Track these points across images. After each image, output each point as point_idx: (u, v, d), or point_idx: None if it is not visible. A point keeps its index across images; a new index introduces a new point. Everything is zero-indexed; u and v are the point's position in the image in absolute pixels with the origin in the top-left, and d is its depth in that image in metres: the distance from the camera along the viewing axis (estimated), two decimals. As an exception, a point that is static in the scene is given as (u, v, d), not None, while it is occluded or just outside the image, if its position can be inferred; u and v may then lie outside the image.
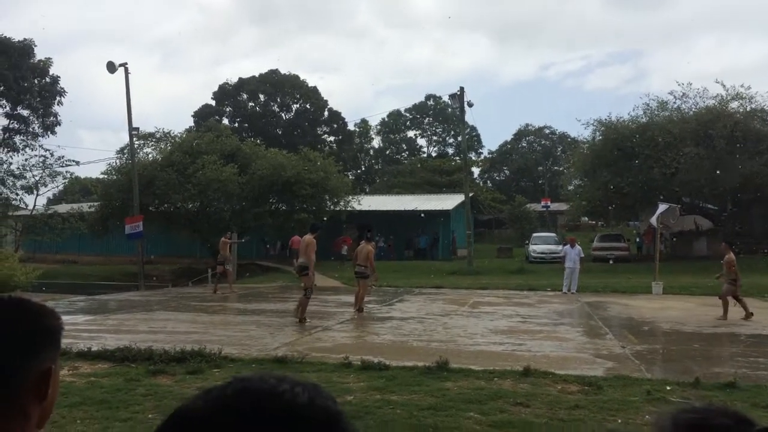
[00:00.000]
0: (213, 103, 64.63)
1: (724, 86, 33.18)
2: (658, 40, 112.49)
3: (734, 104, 32.04)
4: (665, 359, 10.22)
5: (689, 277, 24.19)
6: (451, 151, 75.09)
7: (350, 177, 53.89)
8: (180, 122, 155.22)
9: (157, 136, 35.36)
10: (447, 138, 76.68)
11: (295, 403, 0.71)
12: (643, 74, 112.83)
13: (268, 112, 64.07)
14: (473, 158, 68.63)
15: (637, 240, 38.38)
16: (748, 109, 31.78)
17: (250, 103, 64.55)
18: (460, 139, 64.06)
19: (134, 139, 30.56)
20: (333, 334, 12.25)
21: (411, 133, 77.12)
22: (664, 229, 24.26)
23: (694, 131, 30.40)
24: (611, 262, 32.42)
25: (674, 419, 1.23)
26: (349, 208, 34.86)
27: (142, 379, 8.11)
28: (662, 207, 21.94)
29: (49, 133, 35.94)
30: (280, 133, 62.50)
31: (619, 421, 6.31)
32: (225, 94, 64.39)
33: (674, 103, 33.93)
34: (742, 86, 33.00)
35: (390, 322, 14.02)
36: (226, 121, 61.19)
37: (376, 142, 76.53)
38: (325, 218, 32.29)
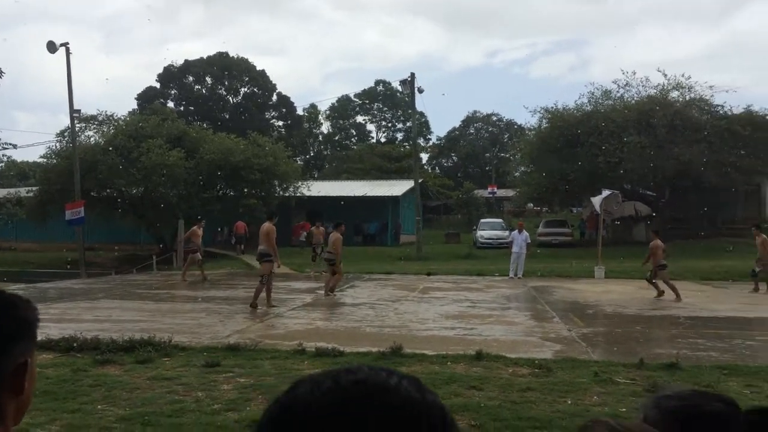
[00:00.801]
0: (158, 85, 62.99)
1: (665, 76, 34.26)
2: (600, 30, 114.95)
3: (674, 93, 33.16)
4: (610, 341, 10.55)
5: (629, 261, 24.90)
6: (400, 136, 75.30)
7: (299, 163, 53.57)
8: (123, 105, 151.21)
9: (100, 119, 34.36)
10: (396, 124, 76.82)
11: (410, 398, 0.68)
12: (587, 63, 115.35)
13: (215, 96, 62.87)
14: (422, 144, 68.97)
15: (581, 225, 39.35)
16: (688, 98, 32.89)
17: (197, 86, 63.21)
18: (409, 125, 64.30)
19: (75, 121, 29.60)
20: (285, 321, 12.20)
21: (360, 119, 76.99)
22: (606, 215, 24.93)
23: (637, 120, 31.27)
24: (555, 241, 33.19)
25: (660, 408, 1.27)
26: (298, 194, 34.65)
27: (90, 369, 7.91)
28: (605, 193, 22.56)
29: (-17, 114, 34.44)
30: (227, 117, 61.42)
31: (569, 402, 6.49)
32: (170, 76, 62.84)
33: (618, 92, 34.87)
34: (682, 76, 34.15)
35: (342, 308, 14.04)
36: (171, 104, 59.78)
37: (325, 127, 76.14)
38: (272, 205, 32.01)
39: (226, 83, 63.57)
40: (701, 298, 16.01)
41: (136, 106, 57.25)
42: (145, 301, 15.58)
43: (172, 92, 63.21)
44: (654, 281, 15.99)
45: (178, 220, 29.83)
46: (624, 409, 6.21)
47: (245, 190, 32.62)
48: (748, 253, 27.18)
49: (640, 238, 33.13)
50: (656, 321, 12.58)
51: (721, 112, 32.53)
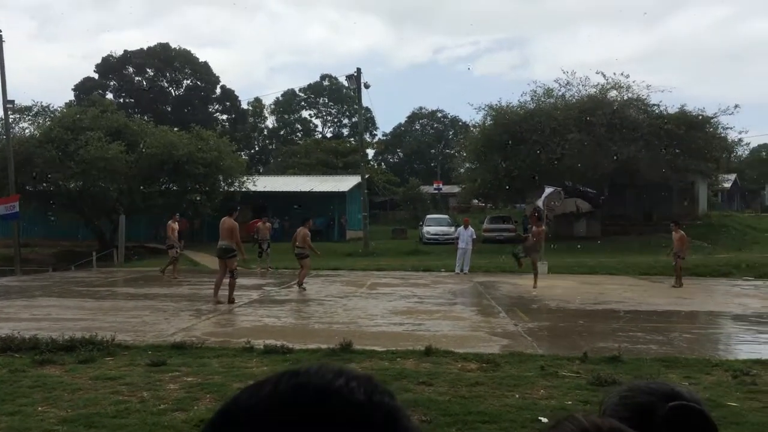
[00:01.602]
0: (96, 76, 61.11)
1: (604, 76, 35.14)
2: (541, 29, 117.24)
3: (613, 93, 34.05)
4: (554, 335, 10.80)
5: (571, 256, 25.58)
6: (346, 132, 75.12)
7: (244, 157, 52.81)
8: (60, 96, 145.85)
9: (35, 110, 33.04)
10: (342, 119, 76.62)
11: (353, 401, 0.66)
12: (529, 61, 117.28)
13: (156, 88, 61.40)
14: (368, 140, 68.98)
15: (524, 221, 40.06)
16: (626, 97, 33.85)
17: (137, 78, 61.60)
18: (355, 120, 64.17)
19: (9, 113, 28.44)
20: (233, 318, 12.05)
21: (306, 114, 76.47)
22: (549, 211, 25.46)
23: (577, 118, 32.02)
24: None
25: (630, 403, 1.28)
26: (243, 189, 34.18)
27: (28, 369, 7.64)
28: (548, 190, 23.01)
29: None
30: (169, 110, 60.10)
31: (517, 396, 6.62)
32: (109, 67, 61.05)
33: (559, 90, 35.58)
34: (622, 74, 35.14)
35: (290, 305, 13.95)
36: (110, 95, 58.13)
37: (270, 121, 75.32)
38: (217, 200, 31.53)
39: (168, 75, 62.18)
40: (639, 293, 16.55)
41: (73, 98, 55.40)
42: (86, 298, 15.13)
43: (112, 83, 61.46)
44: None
45: (119, 216, 29.05)
46: (570, 402, 6.36)
47: (189, 185, 31.97)
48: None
49: (581, 234, 34.02)
50: (598, 315, 12.94)
51: (657, 111, 33.61)
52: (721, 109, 33.40)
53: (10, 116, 28.96)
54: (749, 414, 5.97)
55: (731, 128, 34.78)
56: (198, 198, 31.68)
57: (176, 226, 20.12)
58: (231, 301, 13.67)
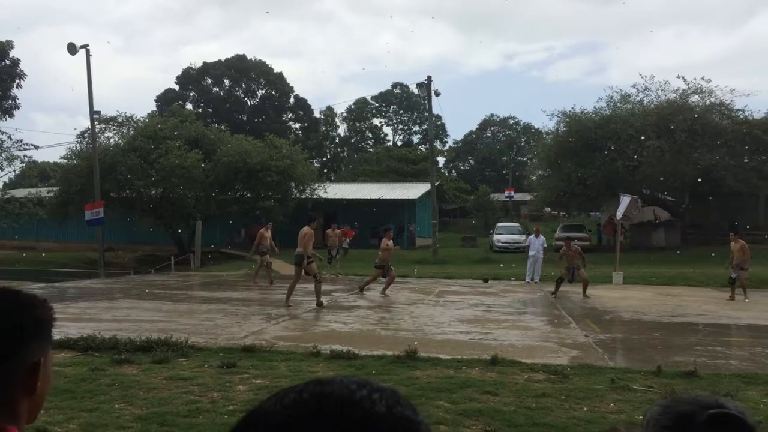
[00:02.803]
0: (176, 87, 63.59)
1: (684, 80, 33.92)
2: (618, 33, 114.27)
3: (694, 98, 32.80)
4: (627, 348, 10.45)
5: (648, 267, 24.74)
6: (416, 139, 75.29)
7: (316, 165, 53.70)
8: (142, 106, 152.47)
9: (119, 120, 34.70)
10: (412, 126, 76.84)
11: (373, 413, 0.67)
12: (604, 67, 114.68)
13: (233, 98, 63.31)
14: (439, 148, 68.88)
15: (598, 230, 39.06)
16: (708, 103, 32.53)
17: (215, 88, 63.69)
18: (425, 127, 64.19)
19: (95, 123, 29.91)
20: (301, 323, 12.23)
21: (376, 121, 77.11)
22: (625, 220, 24.72)
23: (656, 124, 31.00)
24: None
25: (673, 412, 1.28)
26: (315, 196, 34.73)
27: (107, 368, 7.98)
28: (625, 200, 22.31)
29: (6, 116, 34.94)
30: (245, 119, 61.83)
31: (585, 409, 6.44)
32: (189, 78, 63.39)
33: (637, 96, 34.59)
34: (702, 79, 33.78)
35: (357, 311, 14.05)
36: (190, 106, 60.26)
37: (342, 129, 76.33)
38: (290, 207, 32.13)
39: (244, 85, 64.00)
40: (720, 305, 15.81)
41: (155, 108, 57.83)
42: (163, 301, 15.69)
43: (191, 94, 63.73)
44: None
45: (195, 222, 30.04)
46: (641, 417, 6.13)
47: (262, 192, 32.75)
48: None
49: (659, 244, 32.85)
50: (675, 328, 12.44)
51: (741, 116, 32.15)
52: (811, 112, 31.60)
53: (96, 126, 30.45)
54: (837, 436, 5.60)
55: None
56: (271, 205, 32.39)
57: (268, 234, 20.67)
58: (319, 304, 14.13)
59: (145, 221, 33.85)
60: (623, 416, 6.19)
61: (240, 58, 63.58)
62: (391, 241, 17.71)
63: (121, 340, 9.09)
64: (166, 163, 29.71)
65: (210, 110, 61.90)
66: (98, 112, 30.09)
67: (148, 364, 8.21)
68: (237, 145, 32.87)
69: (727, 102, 32.38)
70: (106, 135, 34.01)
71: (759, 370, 8.27)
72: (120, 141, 33.42)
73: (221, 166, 31.81)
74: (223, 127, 41.23)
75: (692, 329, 12.20)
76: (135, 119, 35.22)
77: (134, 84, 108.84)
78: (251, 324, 11.98)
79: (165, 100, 59.77)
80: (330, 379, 0.71)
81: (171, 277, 23.19)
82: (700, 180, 29.89)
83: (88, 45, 27.47)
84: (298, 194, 34.14)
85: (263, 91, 64.63)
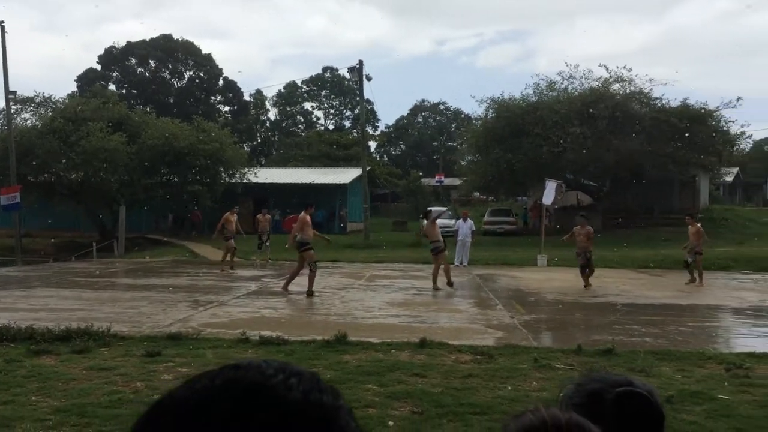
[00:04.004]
0: (98, 67, 61.10)
1: (606, 69, 34.96)
2: (544, 22, 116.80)
3: (615, 86, 33.89)
4: (550, 328, 10.81)
5: (570, 250, 25.51)
6: (348, 124, 75.03)
7: (246, 149, 52.86)
8: (62, 87, 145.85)
9: (37, 101, 33.10)
10: (344, 111, 76.50)
11: (287, 399, 0.64)
12: (532, 54, 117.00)
13: (158, 79, 61.39)
14: (370, 132, 68.91)
15: (525, 215, 40.03)
16: (628, 91, 33.70)
17: (140, 69, 61.58)
18: (357, 112, 64.01)
19: (11, 103, 28.46)
20: (229, 310, 12.07)
21: (308, 105, 76.36)
22: (551, 204, 25.43)
23: (579, 111, 31.91)
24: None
25: (584, 390, 1.36)
26: (245, 181, 34.20)
27: (24, 359, 7.68)
28: (551, 185, 22.96)
29: None
30: (171, 101, 60.11)
31: (509, 388, 6.63)
32: (111, 58, 61.03)
33: (562, 83, 35.45)
34: (624, 68, 34.93)
35: (287, 296, 13.97)
36: (112, 86, 58.11)
37: (273, 113, 75.26)
38: (218, 192, 31.49)
39: (170, 66, 62.14)
40: (638, 286, 16.54)
41: (75, 89, 55.46)
42: (84, 289, 15.17)
43: (114, 75, 61.46)
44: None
45: (119, 207, 29.11)
46: (562, 394, 6.36)
47: (190, 176, 32.00)
48: (682, 243, 28.26)
49: (581, 227, 33.93)
50: (595, 308, 12.94)
51: (659, 105, 33.48)
52: (724, 102, 33.26)
53: (12, 107, 28.99)
54: (740, 407, 5.97)
55: (734, 122, 34.63)
56: (200, 189, 31.69)
57: (234, 218, 20.07)
58: (310, 293, 13.67)
59: (65, 207, 32.55)
60: (545, 394, 6.40)
61: (166, 38, 61.61)
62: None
63: (38, 329, 8.76)
64: (88, 145, 28.59)
65: (134, 92, 59.83)
66: (14, 92, 28.66)
67: (67, 354, 7.94)
68: (163, 128, 31.94)
69: (646, 91, 33.66)
70: (22, 116, 32.44)
71: (672, 347, 8.71)
72: (38, 123, 31.93)
73: (146, 150, 30.87)
74: (148, 109, 39.91)
75: (611, 309, 12.72)
76: (54, 100, 33.72)
77: (53, 63, 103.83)
78: (177, 311, 11.74)
79: (86, 80, 57.37)
80: (247, 363, 0.69)
81: (93, 265, 22.42)
82: (617, 163, 31.02)
83: (3, 21, 26.07)
84: (227, 178, 33.54)
85: (191, 73, 62.93)
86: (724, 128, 33.92)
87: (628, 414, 1.28)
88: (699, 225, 17.38)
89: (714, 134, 33.16)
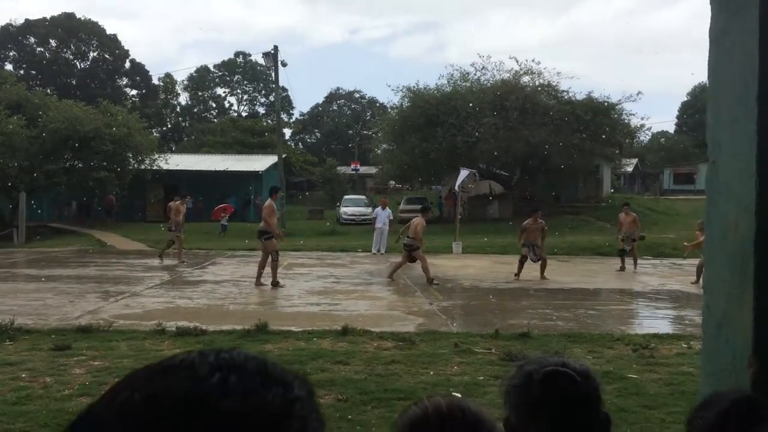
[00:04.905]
0: (-7, 45, 57.29)
1: (517, 61, 35.99)
2: (456, 13, 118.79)
3: (525, 78, 34.94)
4: (468, 313, 11.09)
5: (484, 237, 26.23)
6: (262, 111, 73.82)
7: (155, 134, 51.03)
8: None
9: (-77, 79, 30.71)
10: (258, 97, 75.15)
11: (222, 410, 0.55)
12: (444, 45, 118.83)
13: (60, 60, 58.24)
14: (285, 120, 68.03)
15: (440, 203, 40.72)
16: (537, 83, 34.83)
17: (39, 49, 58.19)
18: (272, 98, 63.03)
19: None
20: (142, 300, 11.67)
21: (220, 91, 74.48)
22: (463, 193, 25.99)
23: (492, 102, 32.71)
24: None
25: (522, 372, 1.48)
26: (155, 167, 33.03)
27: None
28: (464, 173, 23.46)
29: None
30: (74, 83, 57.21)
31: (431, 373, 6.76)
32: (8, 36, 57.32)
33: (475, 75, 36.19)
34: (533, 61, 36.06)
35: (203, 286, 13.65)
36: (10, 66, 54.65)
37: (183, 98, 72.95)
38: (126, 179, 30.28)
39: (73, 47, 59.10)
40: (547, 272, 17.14)
41: (-33, 67, 51.73)
42: (-18, 281, 14.27)
43: (11, 54, 57.81)
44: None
45: (19, 194, 27.49)
46: (482, 378, 6.56)
47: (95, 162, 30.59)
48: (586, 230, 29.57)
49: (494, 215, 34.91)
50: (509, 293, 13.36)
51: (566, 97, 34.78)
52: (625, 96, 34.96)
53: None
54: (648, 385, 6.34)
55: (634, 115, 36.50)
56: (106, 176, 30.37)
57: (184, 208, 19.03)
58: (275, 284, 13.21)
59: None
60: (466, 378, 6.57)
61: (68, 17, 58.45)
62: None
63: (-66, 325, 8.17)
64: (-18, 129, 26.83)
65: (34, 72, 56.52)
66: None
67: (-34, 349, 7.46)
68: (66, 111, 30.33)
69: (554, 84, 34.89)
70: None
71: (582, 330, 9.12)
72: (-76, 103, 29.64)
73: (48, 134, 29.24)
74: (49, 91, 37.77)
75: (524, 294, 13.17)
76: (-58, 79, 31.39)
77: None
78: (87, 303, 11.25)
79: (-21, 58, 53.74)
80: (179, 362, 0.59)
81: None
82: (527, 153, 32.06)
83: None
84: (136, 165, 32.27)
85: (95, 54, 60.04)
86: (626, 121, 35.66)
87: (553, 392, 1.39)
88: (634, 214, 17.75)
89: (616, 126, 34.82)
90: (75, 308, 10.65)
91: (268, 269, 13.45)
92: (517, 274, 15.17)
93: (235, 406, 0.55)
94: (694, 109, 66.38)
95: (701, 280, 14.75)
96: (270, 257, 13.38)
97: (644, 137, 44.90)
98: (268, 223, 13.51)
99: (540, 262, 15.29)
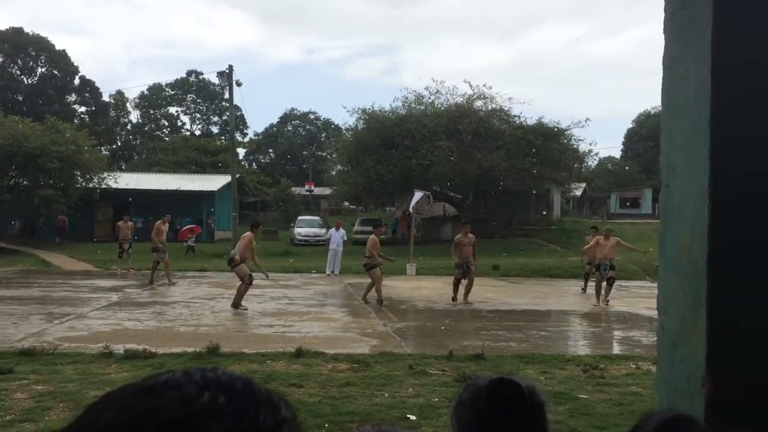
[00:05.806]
0: (-67, 58, 55.40)
1: (470, 86, 36.65)
2: (410, 36, 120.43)
3: (479, 103, 35.53)
4: (422, 335, 11.09)
5: (437, 259, 26.37)
6: (215, 130, 73.04)
7: (105, 152, 49.97)
8: None
9: None
10: (211, 116, 74.40)
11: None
12: (398, 68, 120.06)
13: (6, 75, 56.62)
14: (239, 139, 67.49)
15: (394, 225, 40.84)
16: (490, 108, 35.44)
17: (-16, 63, 56.50)
18: (225, 118, 62.50)
19: None
20: (89, 322, 11.32)
21: (173, 110, 73.50)
22: (417, 214, 26.15)
23: (446, 126, 33.13)
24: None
25: (472, 388, 1.51)
26: (103, 186, 32.28)
27: None
28: (417, 195, 23.64)
29: None
30: (20, 99, 55.68)
31: (386, 395, 6.72)
32: (-50, 49, 55.54)
33: (429, 98, 36.63)
34: (485, 86, 36.73)
35: (153, 308, 13.33)
36: (-49, 80, 52.91)
37: (134, 116, 71.71)
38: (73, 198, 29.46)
39: (20, 62, 57.57)
40: (500, 293, 17.37)
41: None
42: None
43: (-47, 67, 55.98)
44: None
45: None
46: (436, 399, 6.55)
47: (41, 180, 29.74)
48: (537, 252, 30.04)
49: (447, 237, 35.16)
50: (463, 315, 13.44)
51: (518, 122, 35.48)
52: (574, 122, 35.92)
53: None
54: (598, 405, 6.43)
55: (582, 140, 37.53)
56: (52, 194, 29.54)
57: (165, 228, 18.51)
58: (236, 305, 12.97)
59: None
60: (421, 399, 6.55)
61: (16, 31, 56.97)
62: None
63: None
64: None
65: (-23, 87, 54.80)
66: None
67: None
68: (11, 127, 29.47)
69: (506, 108, 35.57)
70: None
71: (535, 351, 9.22)
72: None
73: (-9, 150, 28.35)
74: (-7, 106, 36.71)
75: (477, 315, 13.27)
76: None
77: None
78: (30, 325, 10.87)
79: None
80: (165, 380, 0.56)
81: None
82: (480, 176, 32.51)
83: None
84: (84, 183, 31.48)
85: (43, 70, 58.60)
86: (575, 146, 36.57)
87: (499, 399, 1.42)
88: (617, 238, 16.28)
89: (565, 151, 35.66)
90: (18, 330, 10.27)
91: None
92: (455, 298, 14.85)
93: (226, 428, 0.53)
94: (639, 136, 68.53)
95: (600, 293, 14.42)
96: (244, 280, 13.20)
97: (592, 162, 46.18)
98: (241, 255, 13.29)
99: (467, 280, 14.78)
